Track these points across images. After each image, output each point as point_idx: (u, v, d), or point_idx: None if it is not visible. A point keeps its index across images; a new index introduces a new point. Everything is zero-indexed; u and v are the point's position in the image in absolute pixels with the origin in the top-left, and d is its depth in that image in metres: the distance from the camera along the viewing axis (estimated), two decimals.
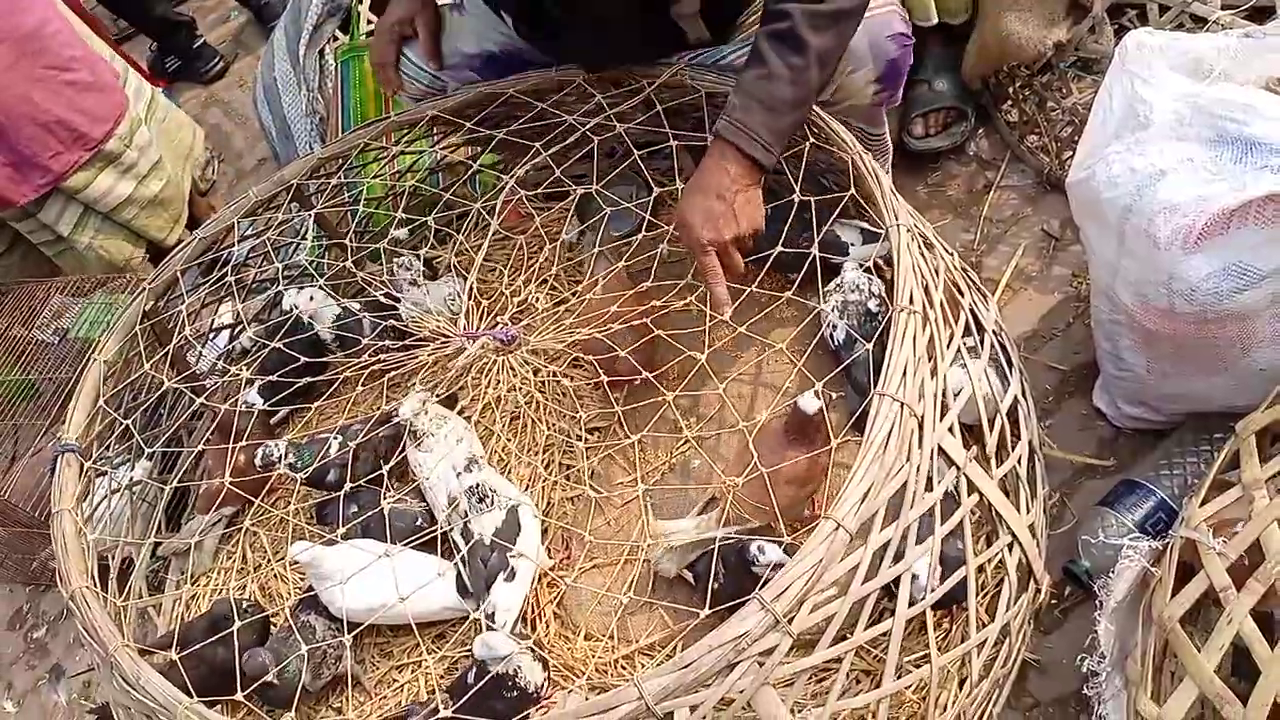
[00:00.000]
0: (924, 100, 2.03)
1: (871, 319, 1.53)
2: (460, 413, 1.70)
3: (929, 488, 1.12)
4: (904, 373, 1.13)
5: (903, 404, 1.11)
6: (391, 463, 1.52)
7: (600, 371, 1.58)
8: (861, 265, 1.55)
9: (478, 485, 1.42)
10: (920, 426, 1.13)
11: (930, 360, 1.19)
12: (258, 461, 1.61)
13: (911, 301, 1.20)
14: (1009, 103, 2.00)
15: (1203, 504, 1.17)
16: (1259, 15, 1.71)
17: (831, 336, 1.54)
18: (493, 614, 1.38)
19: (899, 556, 1.08)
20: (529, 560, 1.40)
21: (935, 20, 1.95)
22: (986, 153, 2.03)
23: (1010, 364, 1.41)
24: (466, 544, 1.42)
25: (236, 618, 1.43)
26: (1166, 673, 1.15)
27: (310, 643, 1.41)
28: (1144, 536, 1.38)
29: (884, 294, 1.53)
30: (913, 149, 2.03)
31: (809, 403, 1.32)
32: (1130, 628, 1.25)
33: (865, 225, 1.62)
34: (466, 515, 1.43)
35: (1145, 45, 1.39)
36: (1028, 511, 1.30)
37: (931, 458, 1.14)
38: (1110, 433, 1.61)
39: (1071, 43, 1.81)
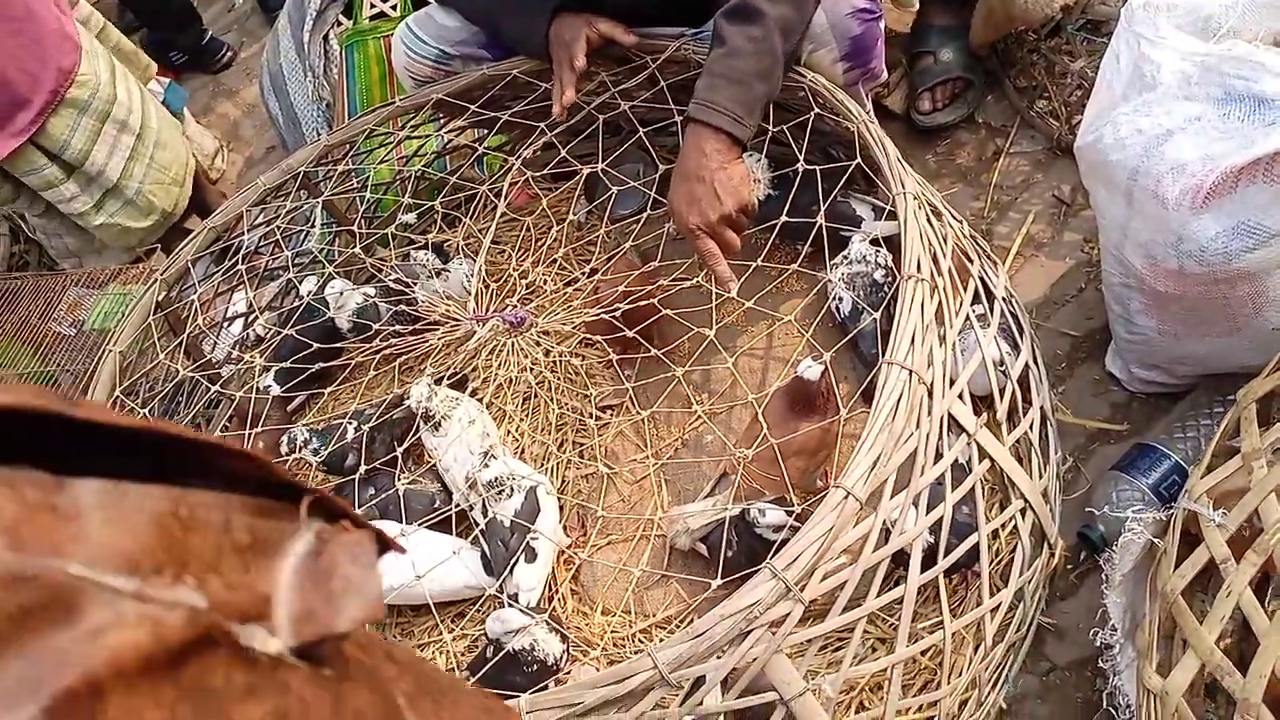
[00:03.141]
0: (931, 73, 2.01)
1: (878, 290, 1.53)
2: (473, 394, 1.71)
3: (939, 455, 1.13)
4: (912, 340, 1.13)
5: (911, 371, 1.11)
6: (406, 444, 1.53)
7: (609, 350, 1.59)
8: (868, 238, 1.55)
9: (496, 479, 1.43)
10: (930, 394, 1.13)
11: (940, 328, 1.19)
12: (283, 448, 1.63)
13: (919, 269, 1.19)
14: (1017, 68, 1.98)
15: (1205, 474, 1.17)
16: None
17: (838, 309, 1.55)
18: (516, 595, 1.39)
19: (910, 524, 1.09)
20: (548, 540, 1.41)
21: (916, 5, 1.94)
22: (996, 120, 2.01)
23: (1021, 331, 1.41)
24: (486, 522, 1.44)
25: None
26: (1173, 644, 1.15)
27: None
28: (1154, 503, 1.38)
29: (891, 265, 1.53)
30: (922, 125, 2.02)
31: (810, 370, 1.33)
32: (1141, 598, 1.25)
33: (876, 201, 1.62)
34: (485, 497, 1.44)
35: (1152, 4, 1.37)
36: (1040, 477, 1.30)
37: (942, 425, 1.14)
38: (1123, 397, 1.60)
39: (1079, 5, 1.79)
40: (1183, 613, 1.07)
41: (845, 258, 1.55)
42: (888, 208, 1.57)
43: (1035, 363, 1.40)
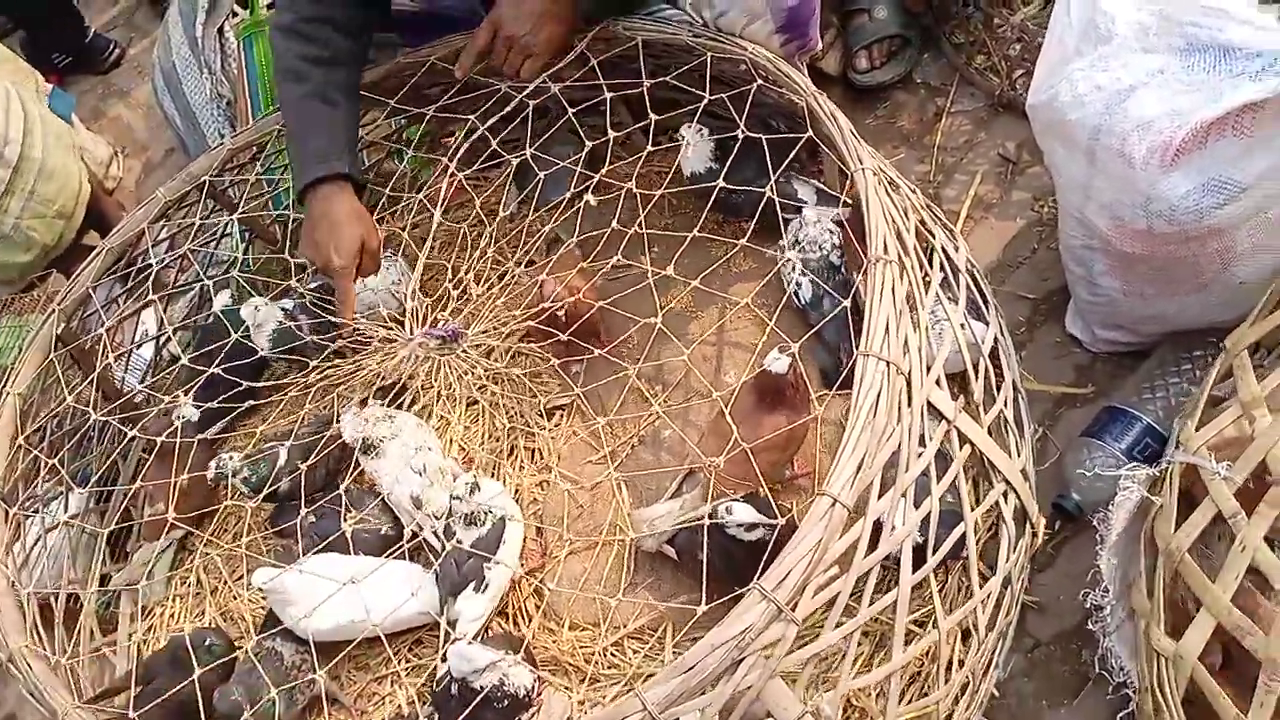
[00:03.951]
0: (865, 31, 1.94)
1: (835, 272, 1.47)
2: (412, 403, 1.61)
3: (922, 447, 1.06)
4: (886, 328, 1.06)
5: (888, 363, 1.04)
6: (347, 481, 1.43)
7: (552, 356, 1.51)
8: (817, 219, 1.48)
9: (471, 515, 1.34)
10: (909, 384, 1.07)
11: (911, 311, 1.12)
12: (210, 476, 1.51)
13: (886, 251, 1.12)
14: (953, 24, 1.92)
15: (1199, 427, 1.12)
16: None
17: (797, 295, 1.48)
18: (455, 622, 1.31)
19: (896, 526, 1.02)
20: (506, 568, 1.32)
21: None
22: (934, 79, 1.95)
23: (986, 302, 1.36)
24: (442, 544, 1.35)
25: (198, 653, 1.34)
26: (1180, 604, 1.12)
27: (278, 669, 1.33)
28: (1137, 464, 1.34)
29: (841, 242, 1.47)
30: (860, 84, 1.95)
31: (777, 363, 1.26)
32: (1130, 557, 1.21)
33: (820, 185, 1.56)
34: (449, 521, 1.35)
35: None
36: (1018, 455, 1.25)
37: (921, 415, 1.07)
38: (1086, 358, 1.57)
39: None
40: (1192, 571, 1.03)
41: (798, 241, 1.48)
42: (839, 194, 1.51)
43: (1003, 334, 1.35)
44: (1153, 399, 1.40)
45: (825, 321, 1.32)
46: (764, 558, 1.20)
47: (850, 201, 1.44)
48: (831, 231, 1.49)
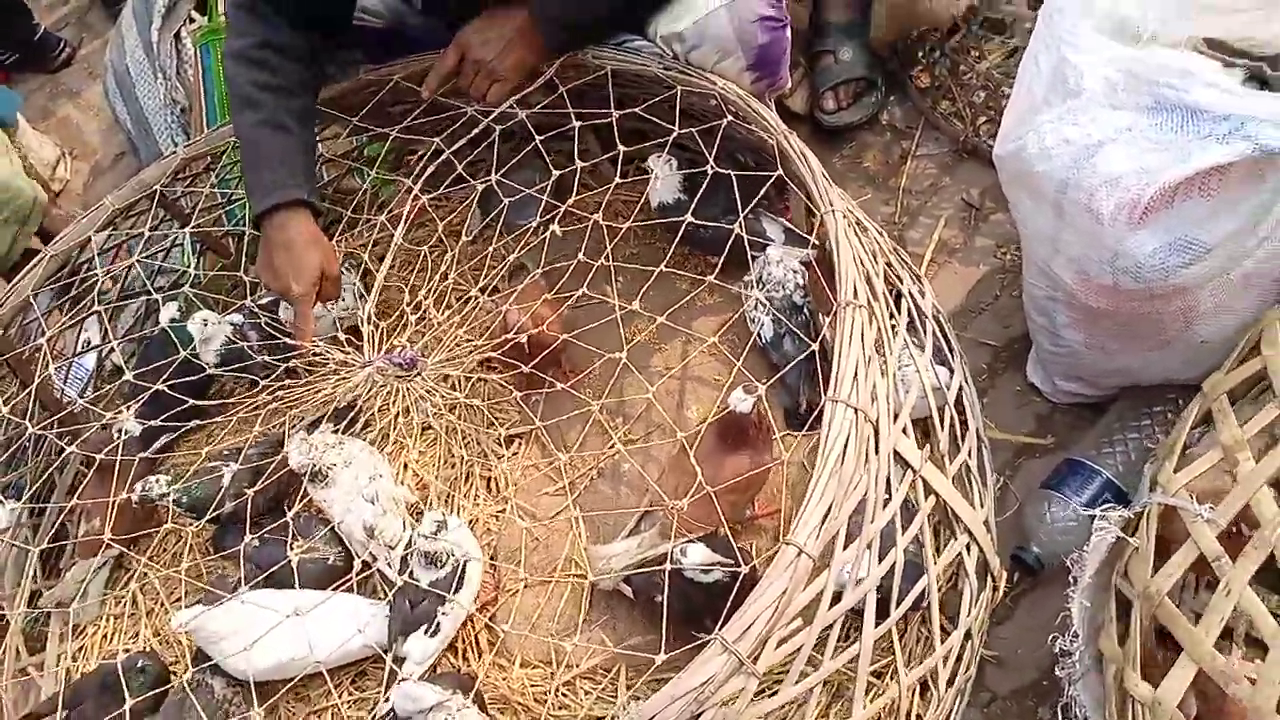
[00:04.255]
0: (832, 73, 1.95)
1: (798, 312, 1.46)
2: (364, 427, 1.56)
3: (888, 497, 1.05)
4: (854, 375, 1.05)
5: (857, 410, 1.03)
6: (296, 507, 1.38)
7: (512, 388, 1.47)
8: (781, 258, 1.48)
9: (432, 553, 1.30)
10: (875, 431, 1.05)
11: (880, 357, 1.11)
12: (134, 499, 1.45)
13: (856, 295, 1.11)
14: (919, 68, 1.93)
15: (1177, 469, 1.12)
16: None
17: (759, 334, 1.48)
18: (402, 661, 1.26)
19: (861, 578, 1.01)
20: (461, 611, 1.28)
21: None
22: (900, 121, 1.96)
23: (951, 349, 1.35)
24: (397, 575, 1.31)
25: (129, 676, 1.28)
26: (1154, 650, 1.10)
27: (209, 703, 1.27)
28: (1111, 505, 1.34)
29: (805, 282, 1.47)
30: (827, 124, 1.96)
31: (742, 401, 1.24)
32: (1098, 602, 1.20)
33: (787, 223, 1.55)
34: (406, 549, 1.31)
35: (1069, 8, 1.32)
36: (981, 506, 1.24)
37: (888, 463, 1.06)
38: (1046, 408, 1.57)
39: (984, 4, 1.75)
40: (1172, 615, 1.02)
41: (761, 280, 1.48)
42: (805, 234, 1.51)
43: (967, 382, 1.35)
44: (1112, 453, 1.40)
45: (792, 365, 1.31)
46: (721, 601, 1.18)
47: (818, 242, 1.43)
48: (795, 271, 1.49)
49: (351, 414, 1.49)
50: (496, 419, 1.58)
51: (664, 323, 1.40)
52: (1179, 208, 1.14)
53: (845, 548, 0.99)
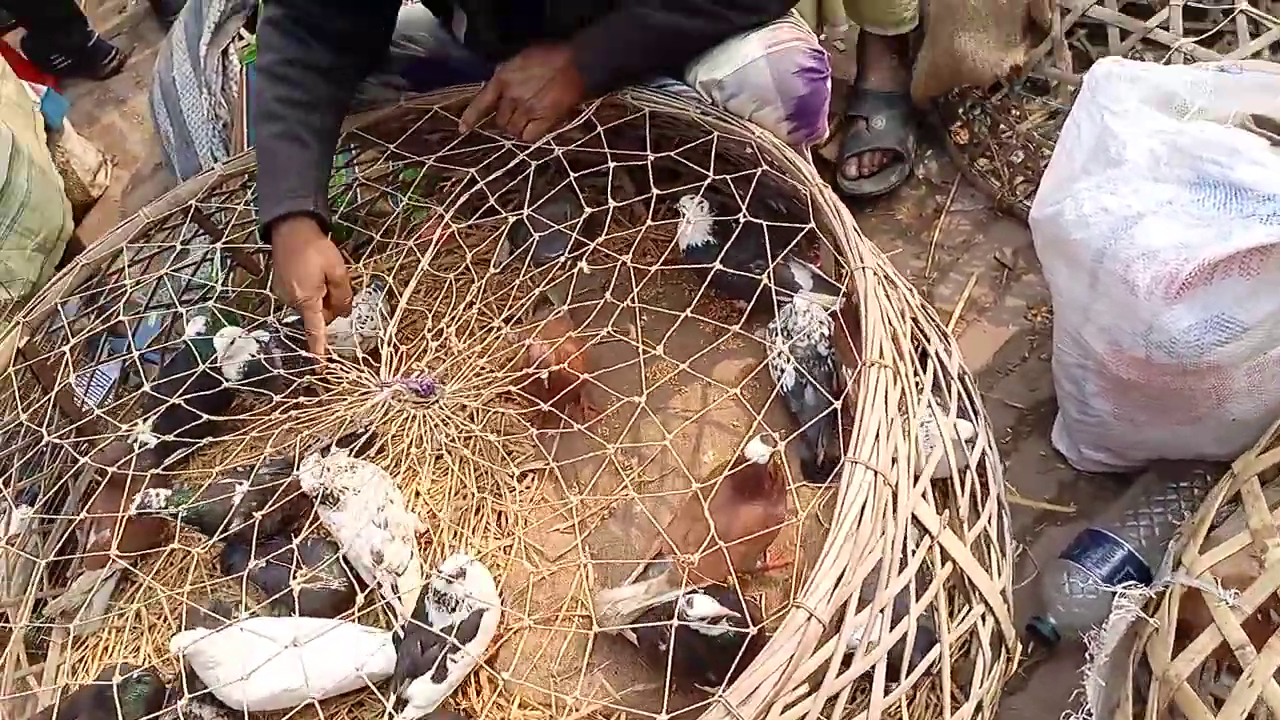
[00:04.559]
0: (861, 139, 1.94)
1: (821, 364, 1.45)
2: (378, 452, 1.55)
3: (904, 563, 1.03)
4: (876, 436, 1.03)
5: (876, 472, 1.01)
6: (305, 532, 1.37)
7: (529, 425, 1.47)
8: (808, 308, 1.47)
9: (449, 596, 1.28)
10: (894, 495, 1.03)
11: (902, 419, 1.09)
12: (133, 510, 1.45)
13: (881, 355, 1.10)
14: (959, 124, 1.93)
15: (1203, 551, 1.10)
16: (1216, 41, 1.66)
17: (780, 382, 1.46)
18: (404, 705, 1.25)
19: (872, 644, 0.98)
20: (469, 658, 1.27)
21: (843, 25, 1.87)
22: (936, 176, 1.95)
23: (976, 411, 1.33)
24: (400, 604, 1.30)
25: (124, 693, 1.27)
26: None
27: None
28: (1133, 583, 1.31)
29: (831, 333, 1.46)
30: (844, 190, 1.94)
31: (758, 451, 1.22)
32: (1115, 681, 1.17)
33: (816, 270, 1.54)
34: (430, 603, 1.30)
35: (1115, 75, 1.31)
36: (999, 575, 1.21)
37: (905, 528, 1.04)
38: (1070, 475, 1.54)
39: (1028, 65, 1.74)
40: (1191, 702, 1.00)
41: (785, 328, 1.46)
42: (834, 281, 1.50)
43: (990, 446, 1.32)
44: (1136, 526, 1.37)
45: (813, 422, 1.29)
46: (726, 654, 1.16)
47: (847, 293, 1.42)
48: (821, 322, 1.47)
49: (364, 437, 1.49)
50: (511, 453, 1.57)
51: (688, 370, 1.39)
52: (1218, 285, 1.12)
53: (857, 612, 0.97)
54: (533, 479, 1.57)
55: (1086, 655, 1.16)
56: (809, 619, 0.92)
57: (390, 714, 1.24)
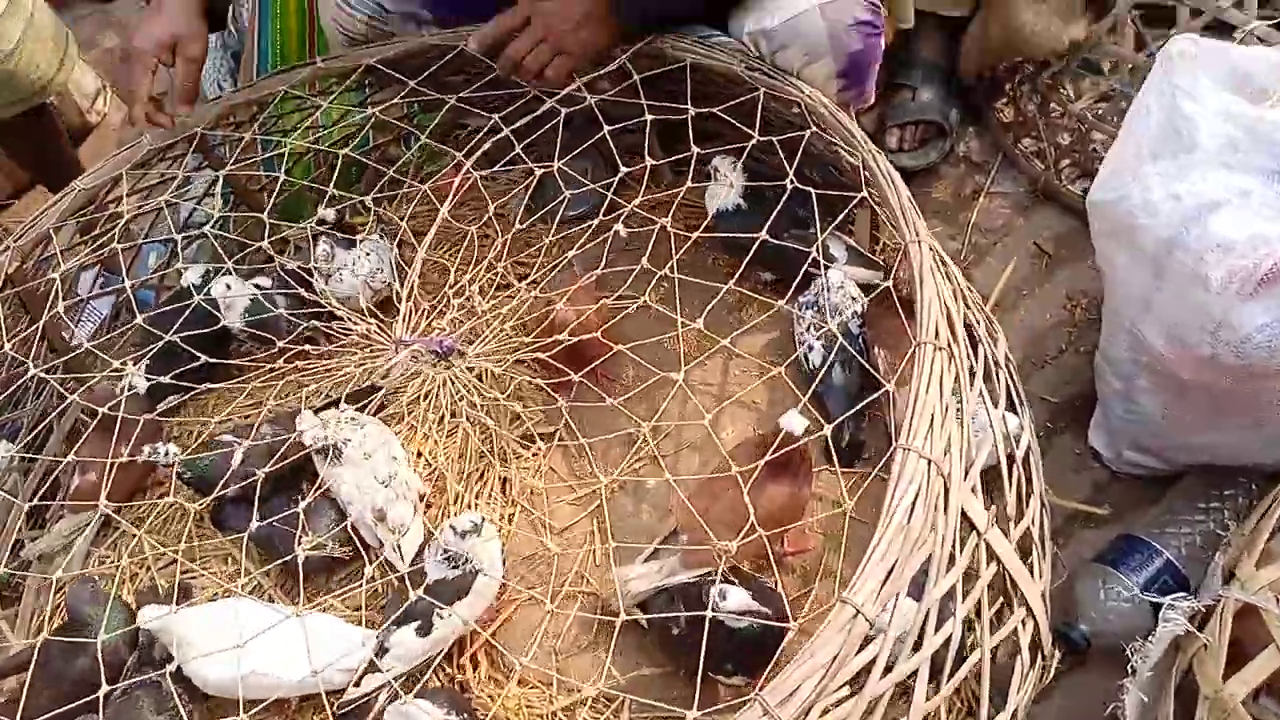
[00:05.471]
0: (906, 110, 1.86)
1: (853, 341, 1.38)
2: (379, 410, 1.48)
3: (952, 560, 0.96)
4: (930, 422, 0.96)
5: (930, 461, 0.94)
6: (310, 498, 1.29)
7: (547, 374, 1.39)
8: (842, 283, 1.39)
9: (454, 554, 1.22)
10: (946, 487, 0.96)
11: (957, 405, 1.02)
12: (141, 459, 1.37)
13: (937, 335, 1.02)
14: (1004, 100, 1.84)
15: (1260, 565, 1.04)
16: None
17: (806, 358, 1.39)
18: (382, 653, 1.18)
19: (918, 645, 0.92)
20: (458, 620, 1.20)
21: (911, 24, 1.78)
22: (977, 154, 1.87)
23: (1021, 403, 1.26)
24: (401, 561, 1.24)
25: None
26: None
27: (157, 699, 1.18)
28: (1145, 605, 1.25)
29: (865, 310, 1.39)
30: None
31: (797, 423, 1.15)
32: (1156, 696, 1.11)
33: (852, 243, 1.46)
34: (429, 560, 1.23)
35: (1189, 54, 1.23)
36: (1040, 577, 1.15)
37: (955, 523, 0.97)
38: (1104, 475, 1.48)
39: (1089, 41, 1.65)
40: None
41: (817, 303, 1.39)
42: (864, 252, 1.43)
43: (1034, 442, 1.26)
44: (1176, 534, 1.31)
45: (856, 406, 1.22)
46: (746, 646, 1.10)
47: (891, 269, 1.34)
48: (854, 298, 1.40)
49: (373, 395, 1.41)
50: (523, 417, 1.49)
51: (706, 332, 1.31)
52: None
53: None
54: (542, 449, 1.50)
55: (1128, 668, 1.10)
56: (855, 615, 0.85)
57: (371, 660, 1.18)
